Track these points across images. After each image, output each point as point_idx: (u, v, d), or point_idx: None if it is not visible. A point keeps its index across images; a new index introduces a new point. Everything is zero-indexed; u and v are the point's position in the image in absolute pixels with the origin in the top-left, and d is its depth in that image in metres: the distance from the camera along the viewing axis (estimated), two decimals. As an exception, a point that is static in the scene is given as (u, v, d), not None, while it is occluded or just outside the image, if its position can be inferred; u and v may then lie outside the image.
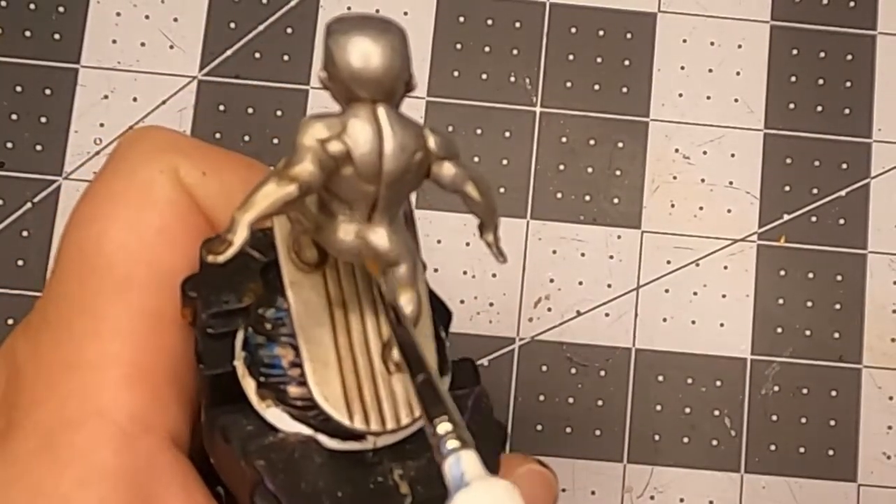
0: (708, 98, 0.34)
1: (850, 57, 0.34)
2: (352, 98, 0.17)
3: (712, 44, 0.34)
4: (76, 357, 0.19)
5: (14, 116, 0.33)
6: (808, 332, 0.32)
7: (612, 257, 0.33)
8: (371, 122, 0.17)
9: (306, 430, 0.18)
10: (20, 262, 0.32)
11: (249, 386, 0.19)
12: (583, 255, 0.33)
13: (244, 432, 0.19)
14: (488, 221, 0.18)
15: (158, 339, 0.20)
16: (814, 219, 0.33)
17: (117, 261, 0.20)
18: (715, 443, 0.32)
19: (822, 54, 0.34)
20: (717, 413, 0.32)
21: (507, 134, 0.33)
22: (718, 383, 0.32)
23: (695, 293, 0.33)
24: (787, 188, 0.33)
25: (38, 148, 0.33)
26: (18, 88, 0.33)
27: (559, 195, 0.33)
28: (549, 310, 0.32)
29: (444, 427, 0.16)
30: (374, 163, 0.17)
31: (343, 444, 0.18)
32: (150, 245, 0.19)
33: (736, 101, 0.34)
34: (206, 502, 0.19)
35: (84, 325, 0.20)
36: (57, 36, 0.33)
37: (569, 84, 0.33)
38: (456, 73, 0.33)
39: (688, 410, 0.32)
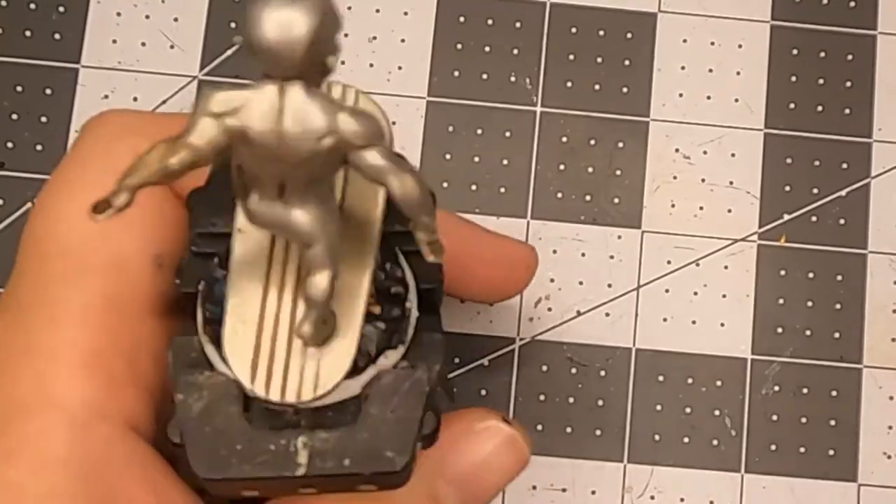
0: (708, 98, 0.34)
1: (850, 57, 0.34)
2: (264, 73, 0.16)
3: (712, 44, 0.34)
4: (31, 344, 0.19)
5: (14, 116, 0.33)
6: (808, 332, 0.32)
7: (612, 257, 0.33)
8: (274, 101, 0.16)
9: (233, 375, 0.18)
10: (20, 262, 0.32)
11: (199, 316, 0.19)
12: (583, 255, 0.33)
13: (185, 358, 0.18)
14: (415, 219, 0.17)
15: (116, 324, 0.19)
16: (814, 219, 0.33)
17: (72, 247, 0.20)
18: (715, 443, 0.32)
19: (822, 54, 0.34)
20: (717, 413, 0.32)
21: (507, 134, 0.33)
22: (718, 383, 0.32)
23: (695, 293, 0.33)
24: (788, 188, 0.33)
25: (38, 148, 0.33)
26: (18, 88, 0.33)
27: (559, 195, 0.33)
28: (549, 310, 0.32)
29: None
30: (271, 144, 0.16)
31: (263, 390, 0.18)
32: (106, 230, 0.19)
33: (736, 101, 0.34)
34: (170, 489, 0.19)
35: (40, 311, 0.19)
36: (57, 36, 0.33)
37: (569, 84, 0.33)
38: (456, 73, 0.33)
39: (688, 410, 0.32)
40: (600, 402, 0.32)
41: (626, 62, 0.34)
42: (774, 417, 0.32)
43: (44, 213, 0.20)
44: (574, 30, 0.34)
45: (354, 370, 0.19)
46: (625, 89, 0.33)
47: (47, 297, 0.19)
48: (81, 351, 0.19)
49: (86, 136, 0.21)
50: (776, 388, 0.32)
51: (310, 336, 0.18)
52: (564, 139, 0.33)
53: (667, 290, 0.33)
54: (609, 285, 0.33)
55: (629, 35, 0.34)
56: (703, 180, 0.33)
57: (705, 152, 0.33)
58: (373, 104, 0.19)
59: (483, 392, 0.32)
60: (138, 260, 0.20)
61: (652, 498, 0.32)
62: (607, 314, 0.32)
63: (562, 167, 0.33)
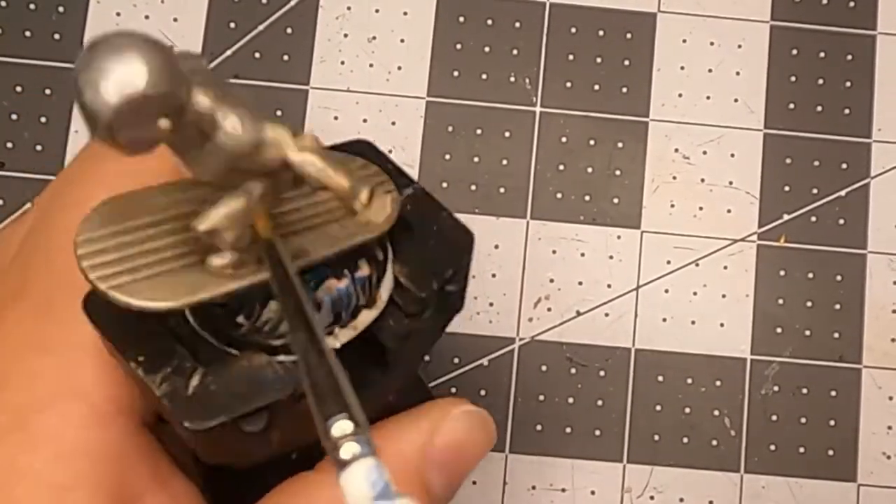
0: (708, 98, 0.34)
1: (850, 57, 0.34)
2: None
3: (712, 44, 0.34)
4: (52, 338, 0.19)
5: (14, 116, 0.33)
6: (808, 332, 0.32)
7: (612, 257, 0.33)
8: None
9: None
10: (20, 262, 0.32)
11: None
12: (583, 255, 0.33)
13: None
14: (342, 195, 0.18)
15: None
16: (814, 219, 0.33)
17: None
18: (715, 443, 0.32)
19: (822, 54, 0.34)
20: (716, 413, 0.32)
21: (507, 134, 0.33)
22: (718, 383, 0.32)
23: (695, 293, 0.33)
24: (787, 188, 0.33)
25: (38, 148, 0.33)
26: (18, 88, 0.33)
27: (559, 195, 0.33)
28: (549, 310, 0.32)
29: (341, 428, 0.14)
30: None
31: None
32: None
33: (736, 101, 0.34)
34: (176, 482, 0.20)
35: (59, 306, 0.20)
36: (57, 36, 0.33)
37: (569, 84, 0.33)
38: (456, 73, 0.33)
39: (688, 410, 0.32)
40: (600, 402, 0.32)
41: (626, 62, 0.34)
42: (774, 417, 0.32)
43: (76, 207, 0.20)
44: (574, 30, 0.34)
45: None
46: (624, 89, 0.33)
47: (68, 293, 0.19)
48: (101, 347, 0.19)
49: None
50: (775, 388, 0.32)
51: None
52: (564, 139, 0.33)
53: (666, 291, 0.33)
54: (609, 285, 0.33)
55: (629, 35, 0.34)
56: (702, 180, 0.33)
57: (705, 152, 0.33)
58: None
59: (483, 392, 0.32)
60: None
61: (651, 498, 0.32)
62: (607, 314, 0.32)
63: (561, 167, 0.33)
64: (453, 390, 0.32)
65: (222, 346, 0.18)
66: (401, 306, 0.20)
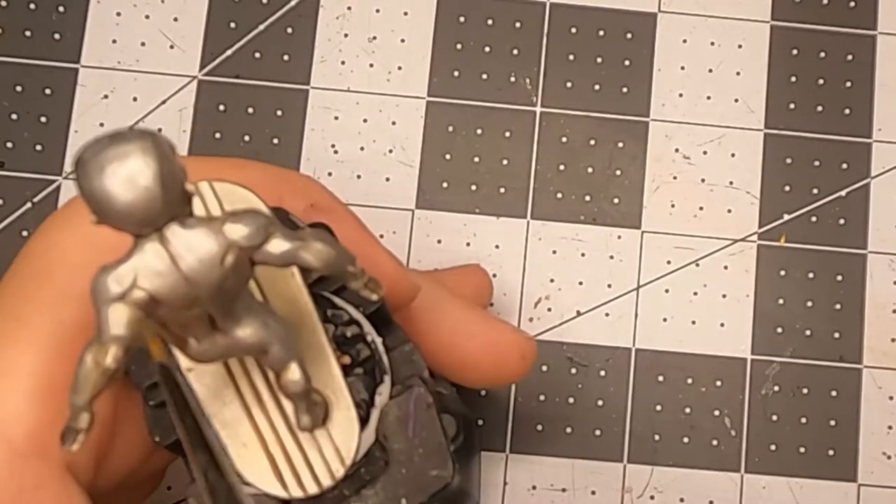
0: (708, 98, 0.34)
1: (850, 57, 0.34)
2: (134, 234, 0.15)
3: (712, 44, 0.34)
4: None
5: (14, 116, 0.33)
6: (808, 332, 0.32)
7: (612, 257, 0.33)
8: (162, 254, 0.15)
9: (255, 490, 0.18)
10: (20, 262, 0.32)
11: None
12: (583, 255, 0.33)
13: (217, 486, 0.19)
14: (342, 274, 0.17)
15: (77, 355, 0.19)
16: (814, 219, 0.33)
17: (59, 272, 0.19)
18: (715, 443, 0.32)
19: (822, 54, 0.34)
20: (717, 413, 0.32)
21: (507, 134, 0.33)
22: (718, 383, 0.32)
23: (695, 293, 0.33)
24: (787, 188, 0.33)
25: (38, 148, 0.33)
26: (18, 88, 0.33)
27: (559, 195, 0.33)
28: (549, 310, 0.32)
29: None
30: (181, 292, 0.15)
31: (299, 490, 0.18)
32: (99, 261, 0.19)
33: (736, 101, 0.34)
34: None
35: (6, 328, 0.19)
36: (57, 36, 0.33)
37: (569, 84, 0.33)
38: (456, 73, 0.33)
39: (688, 410, 0.32)
40: (600, 402, 0.32)
41: (626, 62, 0.34)
42: (774, 417, 0.32)
43: (46, 233, 0.20)
44: (574, 30, 0.34)
45: (361, 423, 0.19)
46: (625, 89, 0.33)
47: (18, 316, 0.19)
48: (36, 378, 0.18)
49: None
50: (776, 388, 0.32)
51: (311, 424, 0.18)
52: (564, 139, 0.33)
53: (666, 291, 0.33)
54: (609, 285, 0.33)
55: (629, 35, 0.34)
56: (702, 180, 0.33)
57: (705, 152, 0.33)
58: (229, 184, 0.19)
59: (483, 392, 0.32)
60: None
61: (652, 498, 0.32)
62: (607, 314, 0.32)
63: (562, 167, 0.33)
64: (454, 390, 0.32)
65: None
66: None
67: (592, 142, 0.33)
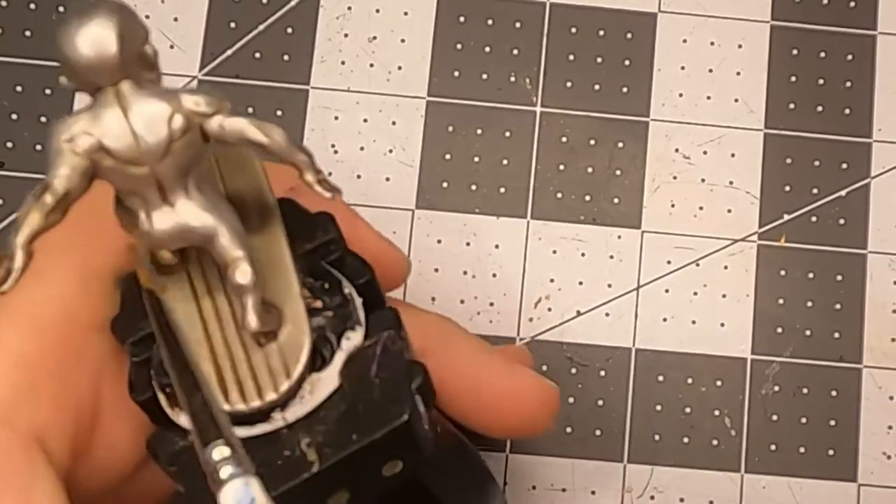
0: (708, 98, 0.34)
1: (850, 57, 0.34)
2: (95, 88, 0.17)
3: (712, 44, 0.34)
4: None
5: (14, 116, 0.33)
6: (808, 332, 0.32)
7: (612, 257, 0.33)
8: (114, 106, 0.16)
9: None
10: (20, 262, 0.32)
11: (163, 400, 0.19)
12: (583, 255, 0.33)
13: (167, 443, 0.19)
14: (294, 160, 0.18)
15: (57, 335, 0.19)
16: (814, 219, 0.33)
17: (41, 252, 0.19)
18: (715, 443, 0.32)
19: (822, 54, 0.34)
20: (717, 413, 0.32)
21: (507, 134, 0.33)
22: (718, 383, 0.32)
23: (695, 293, 0.33)
24: (787, 188, 0.33)
25: (38, 148, 0.33)
26: (18, 88, 0.33)
27: (559, 195, 0.33)
28: (549, 310, 0.32)
29: (220, 452, 0.16)
30: (129, 145, 0.16)
31: (253, 429, 0.18)
32: (83, 243, 0.18)
33: (736, 101, 0.34)
34: None
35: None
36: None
37: (569, 84, 0.33)
38: (456, 73, 0.33)
39: (688, 410, 0.32)
40: (600, 402, 0.32)
41: (626, 62, 0.34)
42: (774, 417, 0.32)
43: None
44: (574, 30, 0.34)
45: (323, 361, 0.19)
46: (625, 89, 0.33)
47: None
48: (9, 351, 0.18)
49: None
50: (776, 387, 0.32)
51: (257, 323, 0.18)
52: (564, 139, 0.33)
53: (667, 290, 0.33)
54: (609, 285, 0.33)
55: (629, 35, 0.34)
56: (702, 180, 0.33)
57: (705, 152, 0.33)
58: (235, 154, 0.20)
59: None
60: (99, 275, 0.19)
61: (652, 498, 0.32)
62: (607, 314, 0.32)
63: (562, 167, 0.33)
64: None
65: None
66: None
67: (592, 142, 0.33)
